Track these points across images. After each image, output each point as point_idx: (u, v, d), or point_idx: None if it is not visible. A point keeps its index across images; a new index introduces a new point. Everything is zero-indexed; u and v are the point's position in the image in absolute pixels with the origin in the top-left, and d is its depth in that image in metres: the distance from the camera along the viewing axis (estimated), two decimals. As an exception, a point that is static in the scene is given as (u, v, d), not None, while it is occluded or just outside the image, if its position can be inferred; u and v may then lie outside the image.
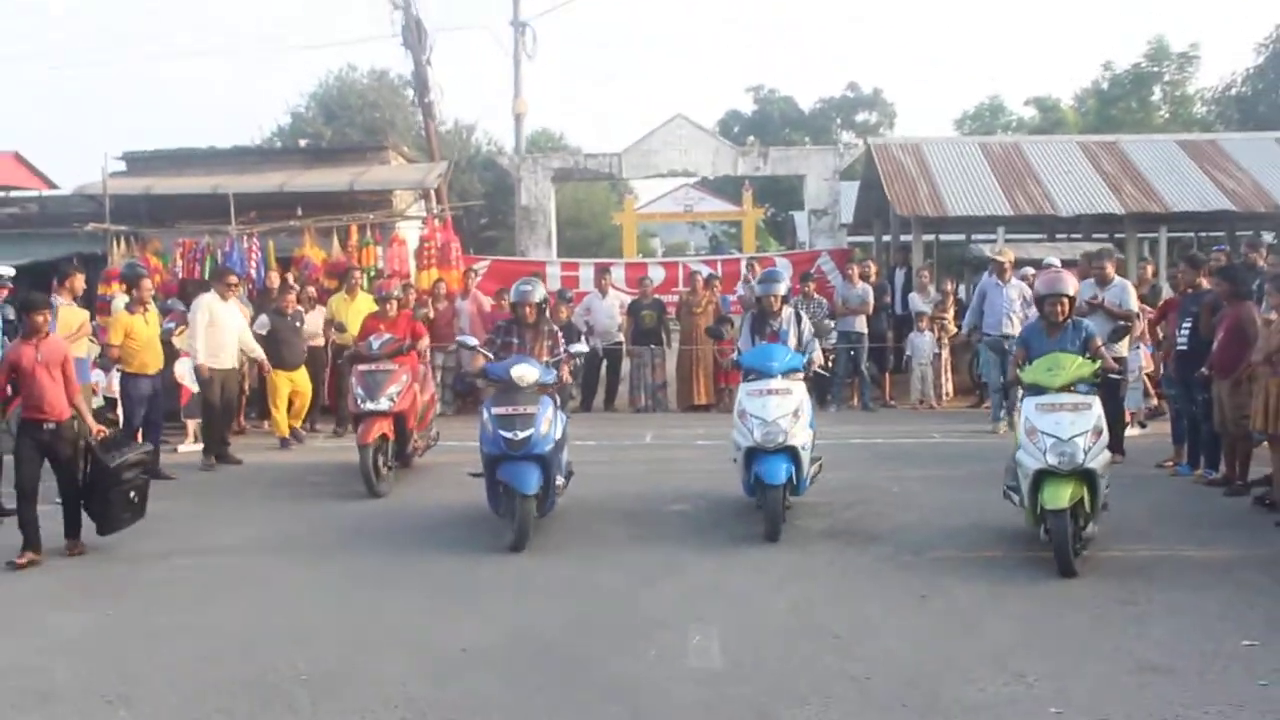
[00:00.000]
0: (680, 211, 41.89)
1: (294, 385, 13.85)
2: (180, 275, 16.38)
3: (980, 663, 5.77)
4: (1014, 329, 12.89)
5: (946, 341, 16.60)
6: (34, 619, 6.91)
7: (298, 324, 14.02)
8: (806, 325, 9.59)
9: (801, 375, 9.14)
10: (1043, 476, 7.50)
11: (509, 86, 24.50)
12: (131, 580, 7.79)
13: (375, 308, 12.38)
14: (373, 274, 16.47)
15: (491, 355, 9.16)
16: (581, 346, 10.25)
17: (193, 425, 13.83)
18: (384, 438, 10.66)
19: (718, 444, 11.62)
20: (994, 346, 11.71)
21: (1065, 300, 8.32)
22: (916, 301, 16.81)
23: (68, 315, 11.20)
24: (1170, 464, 11.23)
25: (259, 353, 13.11)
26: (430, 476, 11.40)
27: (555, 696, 5.44)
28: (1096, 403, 7.81)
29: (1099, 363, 8.02)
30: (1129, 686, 5.40)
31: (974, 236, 25.89)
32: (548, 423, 8.51)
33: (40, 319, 8.43)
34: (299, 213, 17.21)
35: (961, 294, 19.77)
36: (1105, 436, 7.71)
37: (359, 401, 10.76)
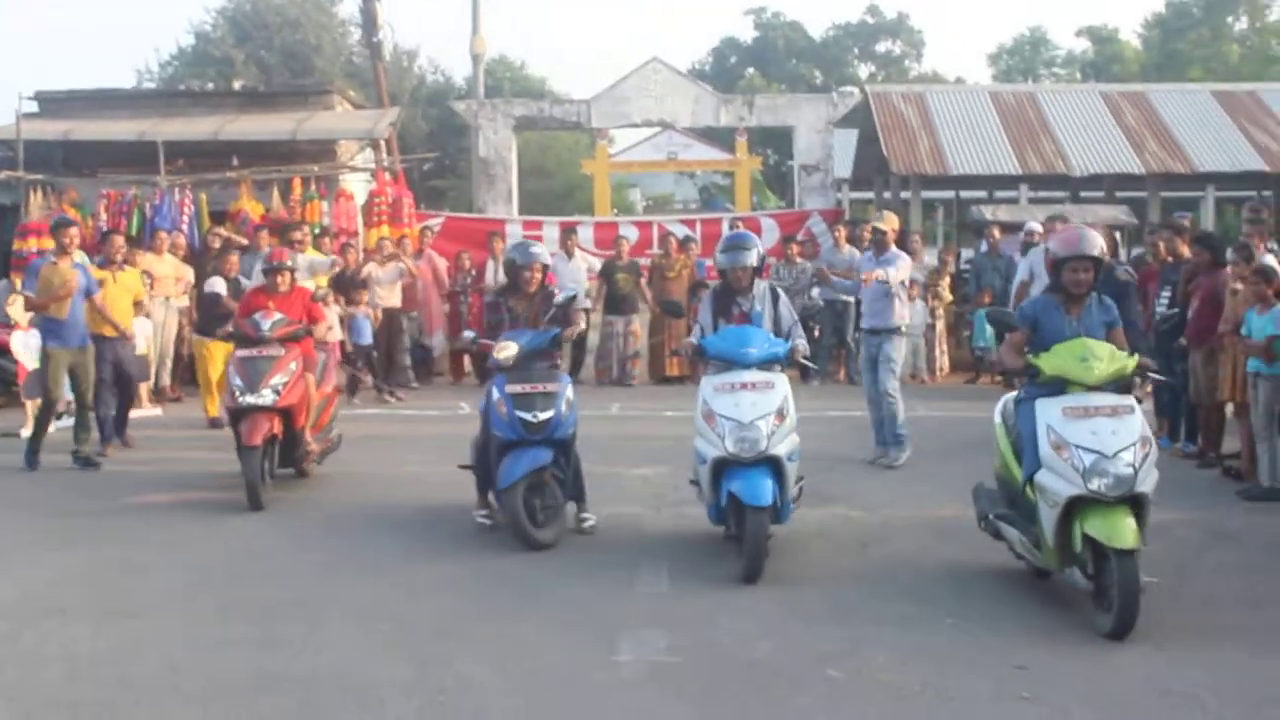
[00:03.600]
0: (662, 160, 43.62)
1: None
2: (105, 229, 18.21)
3: (894, 588, 8.00)
4: (885, 318, 12.52)
5: (941, 312, 18.80)
6: (30, 559, 9.01)
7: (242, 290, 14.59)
8: (785, 305, 9.37)
9: (782, 366, 8.92)
10: (1080, 505, 7.02)
11: (463, 16, 26.49)
12: (102, 529, 9.92)
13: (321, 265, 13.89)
14: (318, 231, 18.44)
15: (489, 341, 9.67)
16: (569, 292, 10.59)
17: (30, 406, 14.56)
18: (273, 438, 10.75)
19: (686, 415, 13.65)
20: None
21: (1091, 265, 7.68)
22: (909, 268, 18.89)
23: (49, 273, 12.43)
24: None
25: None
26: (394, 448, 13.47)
27: (516, 612, 7.57)
28: (1137, 406, 7.37)
29: (1137, 358, 7.46)
30: (1020, 606, 7.62)
31: (996, 194, 28.02)
32: (568, 403, 9.33)
33: None
34: (234, 163, 19.15)
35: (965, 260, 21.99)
36: (1155, 451, 7.26)
37: (237, 393, 10.71)
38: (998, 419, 8.31)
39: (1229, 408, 11.83)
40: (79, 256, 13.34)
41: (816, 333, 18.23)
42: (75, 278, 12.42)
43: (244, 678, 6.47)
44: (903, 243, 19.26)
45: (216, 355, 14.45)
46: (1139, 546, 6.83)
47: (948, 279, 19.13)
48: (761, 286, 9.28)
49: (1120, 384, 7.31)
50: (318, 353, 11.88)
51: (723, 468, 8.24)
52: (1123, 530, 6.79)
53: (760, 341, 8.73)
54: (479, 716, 5.96)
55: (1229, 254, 11.79)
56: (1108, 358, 7.26)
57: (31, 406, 14.60)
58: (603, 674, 6.50)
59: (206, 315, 14.72)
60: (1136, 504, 6.97)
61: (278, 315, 11.15)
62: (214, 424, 14.42)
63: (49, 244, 16.10)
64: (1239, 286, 11.28)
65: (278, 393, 10.62)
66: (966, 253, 22.36)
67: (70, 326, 12.46)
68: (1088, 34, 56.50)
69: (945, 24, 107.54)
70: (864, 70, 58.53)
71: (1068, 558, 7.21)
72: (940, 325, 18.83)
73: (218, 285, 14.78)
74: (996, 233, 16.26)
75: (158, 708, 6.12)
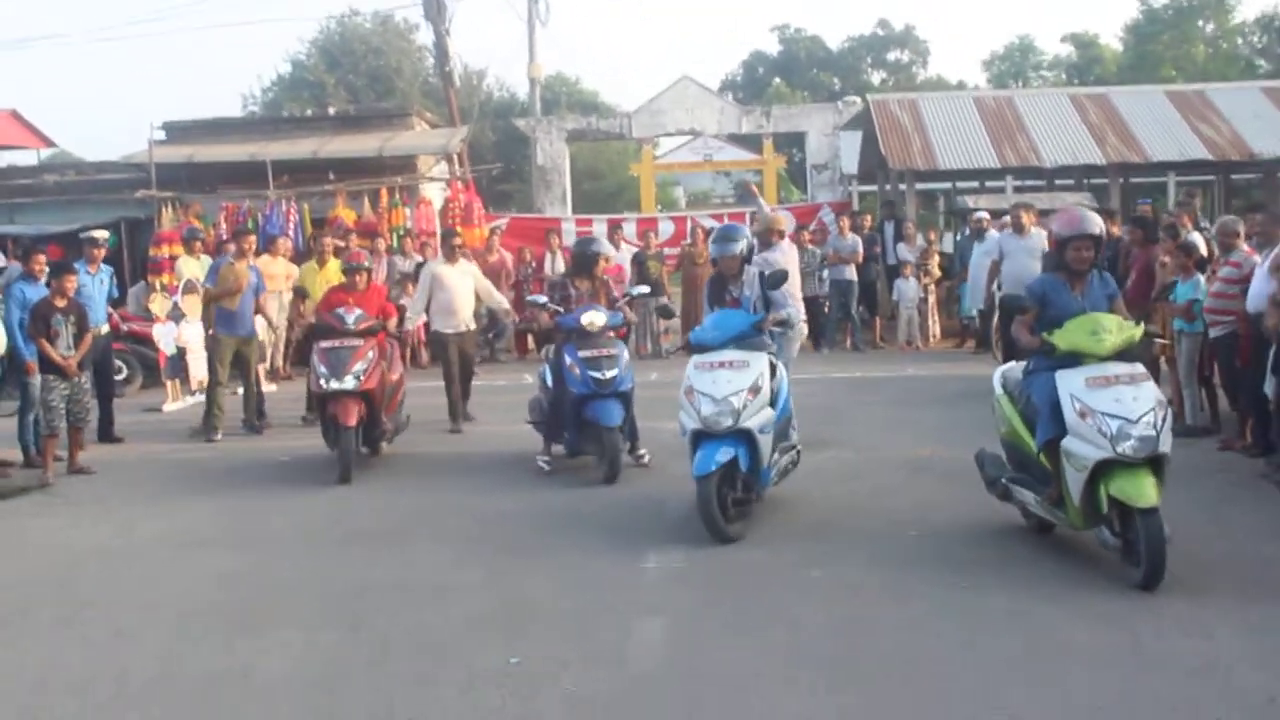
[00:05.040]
0: (699, 161, 44.36)
1: None
2: (224, 237, 18.94)
3: (871, 510, 8.77)
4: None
5: (933, 287, 19.48)
6: (177, 504, 10.02)
7: None
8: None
9: (763, 342, 8.77)
10: (1104, 467, 6.73)
11: (522, 39, 27.29)
12: (232, 482, 10.88)
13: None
14: (401, 233, 19.33)
15: (560, 309, 10.56)
16: (643, 289, 11.78)
17: (170, 386, 15.80)
18: (361, 419, 10.73)
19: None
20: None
21: (1091, 243, 7.34)
22: (903, 251, 19.67)
23: (227, 272, 13.20)
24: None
25: (503, 303, 14.62)
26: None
27: (565, 535, 8.43)
28: (1149, 374, 7.17)
29: (1143, 325, 7.30)
30: (971, 522, 8.30)
31: (987, 185, 28.48)
32: (627, 364, 10.24)
33: None
34: (331, 177, 20.02)
35: (947, 244, 22.71)
36: (1170, 413, 6.92)
37: (322, 380, 10.74)
38: (999, 390, 8.03)
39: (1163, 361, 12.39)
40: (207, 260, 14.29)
41: (826, 308, 18.97)
42: (248, 276, 13.20)
43: (352, 585, 7.32)
44: (899, 229, 20.13)
45: None
46: (1159, 504, 6.56)
47: (936, 258, 19.79)
48: (750, 272, 9.22)
49: (1128, 352, 7.04)
50: (388, 344, 11.74)
51: (699, 439, 8.10)
52: (1146, 490, 6.54)
53: (725, 323, 8.64)
54: (533, 610, 6.74)
55: (1160, 234, 12.38)
56: (1116, 329, 7.00)
57: (170, 386, 15.67)
58: (632, 578, 7.31)
59: None
60: (1156, 463, 6.70)
61: (358, 311, 11.19)
62: None
63: (179, 250, 16.97)
64: (1167, 260, 11.85)
65: (359, 379, 10.67)
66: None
67: (239, 317, 13.17)
68: (1071, 40, 56.60)
69: (947, 32, 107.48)
70: (876, 77, 58.85)
71: (1094, 518, 6.94)
72: (932, 299, 19.49)
73: None
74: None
75: (288, 606, 6.96)
